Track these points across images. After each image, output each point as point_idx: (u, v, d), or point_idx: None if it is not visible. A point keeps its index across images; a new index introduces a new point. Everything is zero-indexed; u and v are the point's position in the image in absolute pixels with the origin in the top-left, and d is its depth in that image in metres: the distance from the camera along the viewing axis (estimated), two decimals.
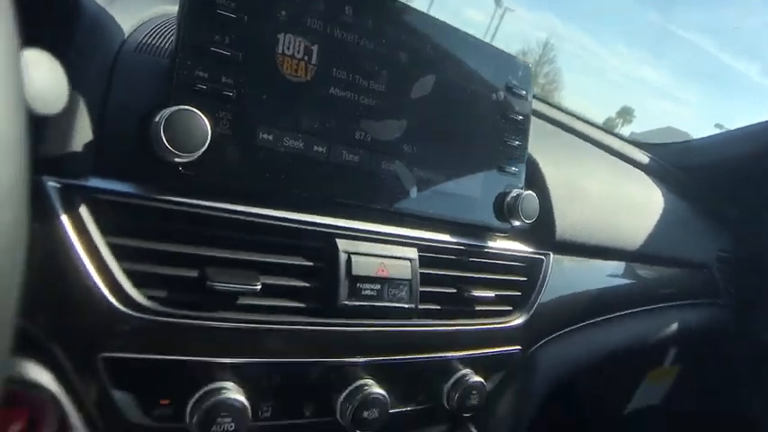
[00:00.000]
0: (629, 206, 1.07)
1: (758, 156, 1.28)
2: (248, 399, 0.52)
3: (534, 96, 0.78)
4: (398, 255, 0.62)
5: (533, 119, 0.77)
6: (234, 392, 0.51)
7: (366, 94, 0.59)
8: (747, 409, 1.47)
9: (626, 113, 40.58)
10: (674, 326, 1.17)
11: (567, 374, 0.86)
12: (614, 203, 1.02)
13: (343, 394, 0.59)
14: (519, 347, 0.77)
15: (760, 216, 1.38)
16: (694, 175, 1.41)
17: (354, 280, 0.58)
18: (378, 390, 0.59)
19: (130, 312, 0.47)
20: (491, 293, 0.70)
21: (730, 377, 1.49)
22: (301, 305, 0.56)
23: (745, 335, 1.43)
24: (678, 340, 1.26)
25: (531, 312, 0.77)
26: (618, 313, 0.98)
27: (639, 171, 1.25)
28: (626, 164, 1.24)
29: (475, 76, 0.68)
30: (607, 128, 1.39)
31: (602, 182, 1.05)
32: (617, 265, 0.99)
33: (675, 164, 1.38)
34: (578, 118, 1.29)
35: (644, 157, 1.31)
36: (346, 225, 0.60)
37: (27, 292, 0.44)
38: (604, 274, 0.95)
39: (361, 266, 0.59)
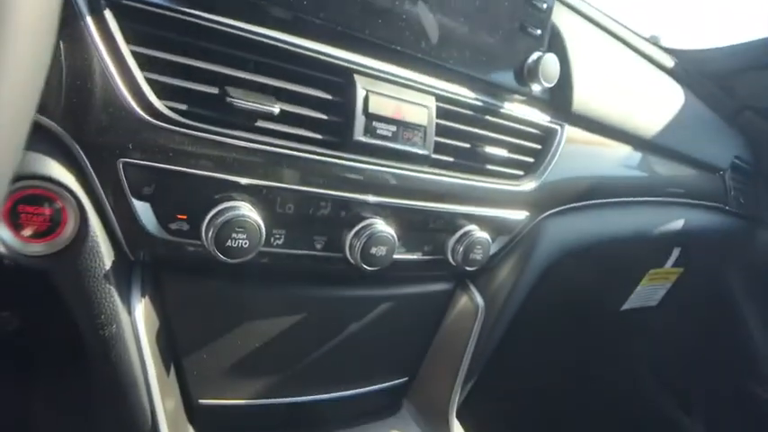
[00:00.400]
0: (650, 97, 1.06)
1: None
2: (262, 221, 0.53)
3: None
4: (416, 101, 0.62)
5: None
6: (248, 211, 0.53)
7: None
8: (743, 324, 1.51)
9: None
10: (679, 223, 1.18)
11: (570, 250, 0.88)
12: (635, 91, 1.00)
13: (353, 230, 0.61)
14: (527, 213, 0.78)
15: None
16: (719, 82, 1.38)
17: (371, 118, 0.58)
18: (386, 229, 0.61)
19: (152, 120, 0.48)
20: (504, 152, 0.71)
21: (729, 289, 1.52)
22: (317, 136, 0.57)
23: (749, 244, 1.45)
24: (682, 240, 1.28)
25: (542, 180, 0.77)
26: (626, 199, 0.99)
27: (663, 72, 1.23)
28: (650, 63, 1.21)
29: None
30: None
31: (624, 69, 1.03)
32: (630, 152, 0.99)
33: (700, 70, 1.34)
34: (605, 14, 1.25)
35: (669, 61, 1.27)
36: (367, 63, 0.60)
37: (54, 94, 0.45)
38: (617, 159, 0.95)
39: (379, 105, 0.59)
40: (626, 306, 1.38)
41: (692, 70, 1.32)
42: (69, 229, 0.49)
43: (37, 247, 0.48)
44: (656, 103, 1.08)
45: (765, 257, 1.44)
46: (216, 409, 0.64)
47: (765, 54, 1.36)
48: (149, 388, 0.56)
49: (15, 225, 0.47)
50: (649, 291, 1.41)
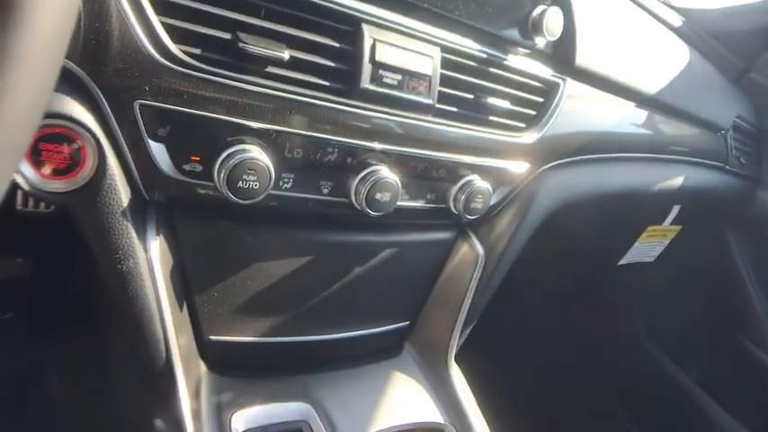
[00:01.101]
0: (654, 55, 1.06)
1: None
2: (272, 165, 0.56)
3: None
4: (422, 51, 0.64)
5: None
6: (258, 154, 0.55)
7: None
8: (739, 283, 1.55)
9: None
10: (679, 181, 1.20)
11: (569, 203, 0.90)
12: (640, 48, 1.01)
13: (359, 176, 0.63)
14: (527, 165, 0.80)
15: None
16: (726, 42, 1.37)
17: (377, 66, 0.60)
18: (391, 175, 0.63)
19: (167, 63, 0.50)
20: (506, 104, 0.72)
21: (726, 248, 1.55)
22: (325, 83, 0.59)
23: (748, 204, 1.47)
24: (681, 198, 1.30)
25: (543, 133, 0.79)
26: (627, 154, 1.01)
27: (670, 30, 1.22)
28: (657, 21, 1.20)
29: None
30: None
31: (630, 26, 1.03)
32: (633, 109, 1.00)
33: (708, 30, 1.34)
34: None
35: (677, 20, 1.27)
36: (375, 12, 0.61)
37: (73, 37, 0.46)
38: (619, 114, 0.97)
39: (385, 54, 0.60)
40: (623, 261, 1.41)
41: (699, 30, 1.32)
42: (88, 167, 0.52)
43: (57, 184, 0.51)
44: (661, 61, 1.09)
45: (764, 218, 1.46)
46: (225, 345, 0.68)
47: None
48: (164, 323, 0.59)
49: (37, 162, 0.49)
50: (647, 247, 1.44)
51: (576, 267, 1.40)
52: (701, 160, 1.26)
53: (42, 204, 0.63)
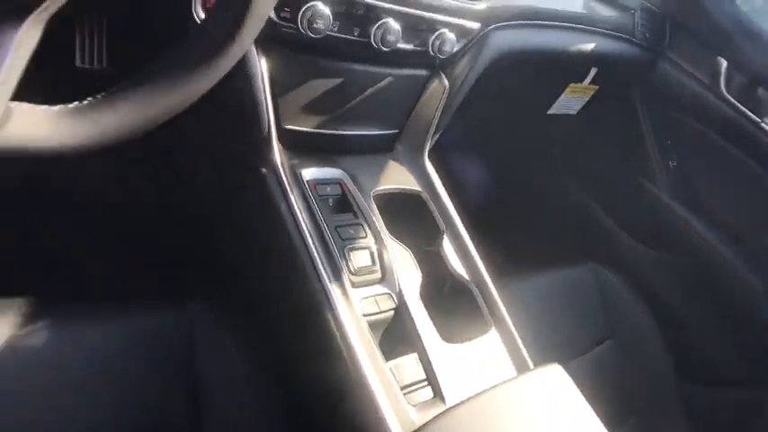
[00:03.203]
0: None
1: None
2: (330, 15, 0.96)
3: None
4: None
5: None
6: (323, 8, 0.94)
7: None
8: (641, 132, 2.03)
9: None
10: (595, 46, 1.62)
11: (508, 51, 1.33)
12: None
13: (376, 24, 1.02)
14: (479, 24, 1.22)
15: None
16: None
17: None
18: (396, 24, 1.04)
19: None
20: None
21: (633, 107, 2.02)
22: None
23: (650, 70, 1.92)
24: (597, 62, 1.74)
25: (489, 2, 1.20)
26: (554, 22, 1.43)
27: None
28: None
29: None
30: None
31: None
32: None
33: None
34: None
35: None
36: None
37: None
38: None
39: None
40: (551, 111, 1.88)
41: None
42: None
43: None
44: None
45: (662, 81, 1.91)
46: (292, 132, 1.11)
47: None
48: (267, 108, 1.01)
49: None
50: (570, 101, 1.89)
51: (511, 118, 1.86)
52: (613, 32, 1.69)
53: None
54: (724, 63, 1.77)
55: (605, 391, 1.00)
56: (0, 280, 0.99)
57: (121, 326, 1.04)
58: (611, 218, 2.12)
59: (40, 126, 0.61)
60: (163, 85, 0.63)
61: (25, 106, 0.61)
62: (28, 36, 0.59)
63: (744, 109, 1.74)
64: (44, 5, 0.59)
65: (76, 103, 0.63)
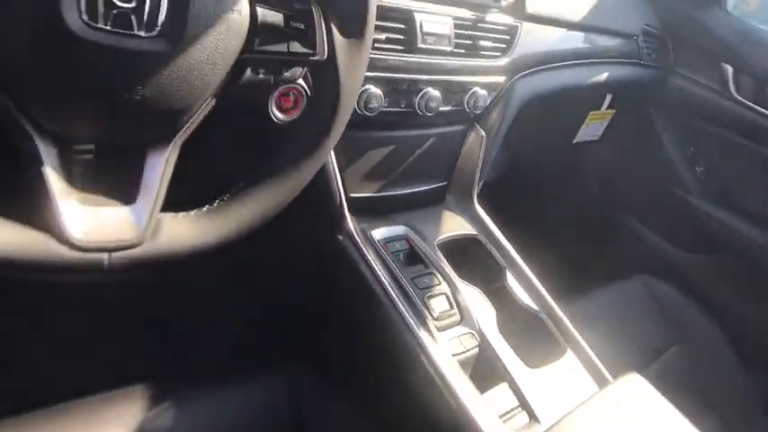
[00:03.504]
0: None
1: None
2: (383, 94, 1.09)
3: None
4: (442, 22, 1.16)
5: None
6: (375, 89, 1.08)
7: None
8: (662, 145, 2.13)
9: None
10: (608, 75, 1.74)
11: (534, 96, 1.46)
12: None
13: (419, 95, 1.16)
14: (504, 77, 1.35)
15: None
16: None
17: (424, 34, 1.13)
18: (435, 92, 1.16)
19: None
20: (489, 43, 1.26)
21: (651, 123, 2.13)
22: (399, 47, 1.12)
23: (662, 88, 2.03)
24: (612, 88, 1.86)
25: (511, 56, 1.33)
26: (569, 62, 1.56)
27: None
28: None
29: None
30: None
31: None
32: (567, 32, 1.54)
33: None
34: None
35: None
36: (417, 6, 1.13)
37: None
38: (559, 38, 1.51)
39: (426, 26, 1.13)
40: (576, 140, 1.99)
41: None
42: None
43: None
44: None
45: (675, 94, 2.01)
46: (358, 198, 1.23)
47: None
48: (337, 182, 1.14)
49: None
50: (592, 128, 2.01)
51: (544, 147, 1.98)
52: (621, 60, 1.82)
53: None
54: (730, 68, 1.86)
55: (681, 392, 1.06)
56: (124, 367, 1.11)
57: (235, 396, 1.15)
58: (651, 229, 2.19)
59: (186, 230, 0.74)
60: (278, 180, 0.75)
61: (169, 215, 0.73)
62: (172, 157, 0.72)
63: (757, 107, 1.82)
64: (182, 131, 0.72)
65: (207, 205, 0.76)
